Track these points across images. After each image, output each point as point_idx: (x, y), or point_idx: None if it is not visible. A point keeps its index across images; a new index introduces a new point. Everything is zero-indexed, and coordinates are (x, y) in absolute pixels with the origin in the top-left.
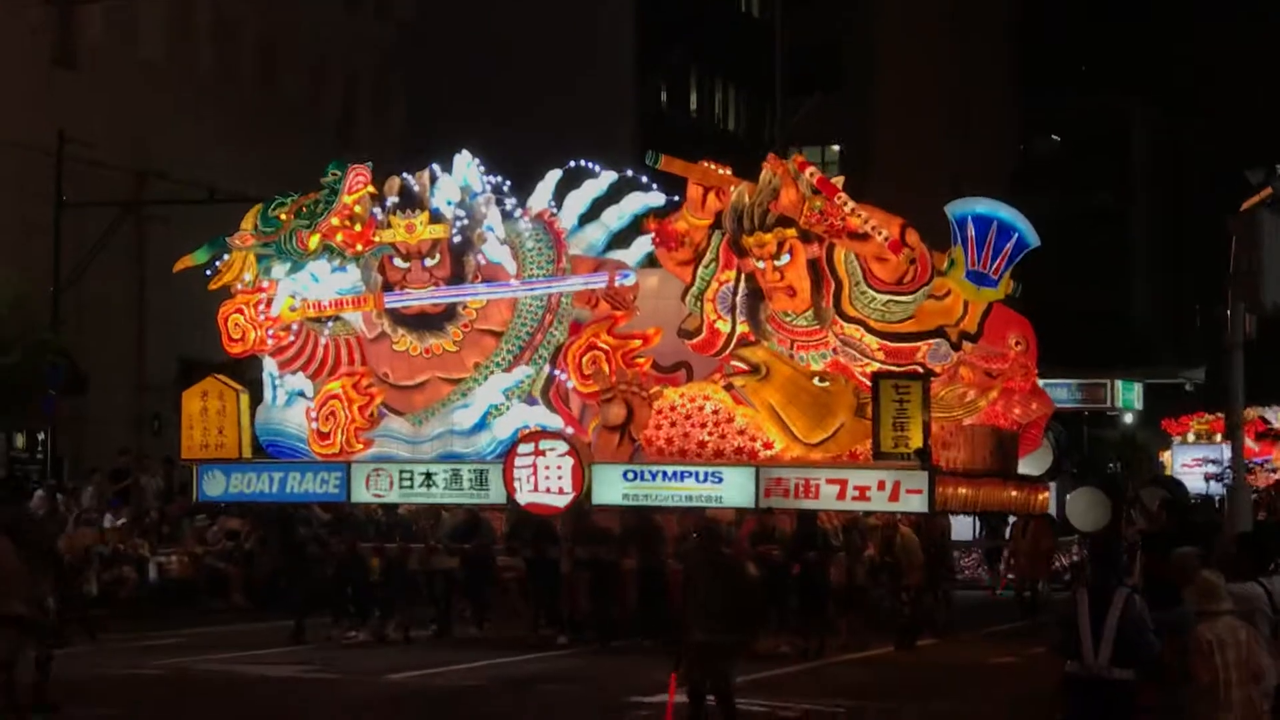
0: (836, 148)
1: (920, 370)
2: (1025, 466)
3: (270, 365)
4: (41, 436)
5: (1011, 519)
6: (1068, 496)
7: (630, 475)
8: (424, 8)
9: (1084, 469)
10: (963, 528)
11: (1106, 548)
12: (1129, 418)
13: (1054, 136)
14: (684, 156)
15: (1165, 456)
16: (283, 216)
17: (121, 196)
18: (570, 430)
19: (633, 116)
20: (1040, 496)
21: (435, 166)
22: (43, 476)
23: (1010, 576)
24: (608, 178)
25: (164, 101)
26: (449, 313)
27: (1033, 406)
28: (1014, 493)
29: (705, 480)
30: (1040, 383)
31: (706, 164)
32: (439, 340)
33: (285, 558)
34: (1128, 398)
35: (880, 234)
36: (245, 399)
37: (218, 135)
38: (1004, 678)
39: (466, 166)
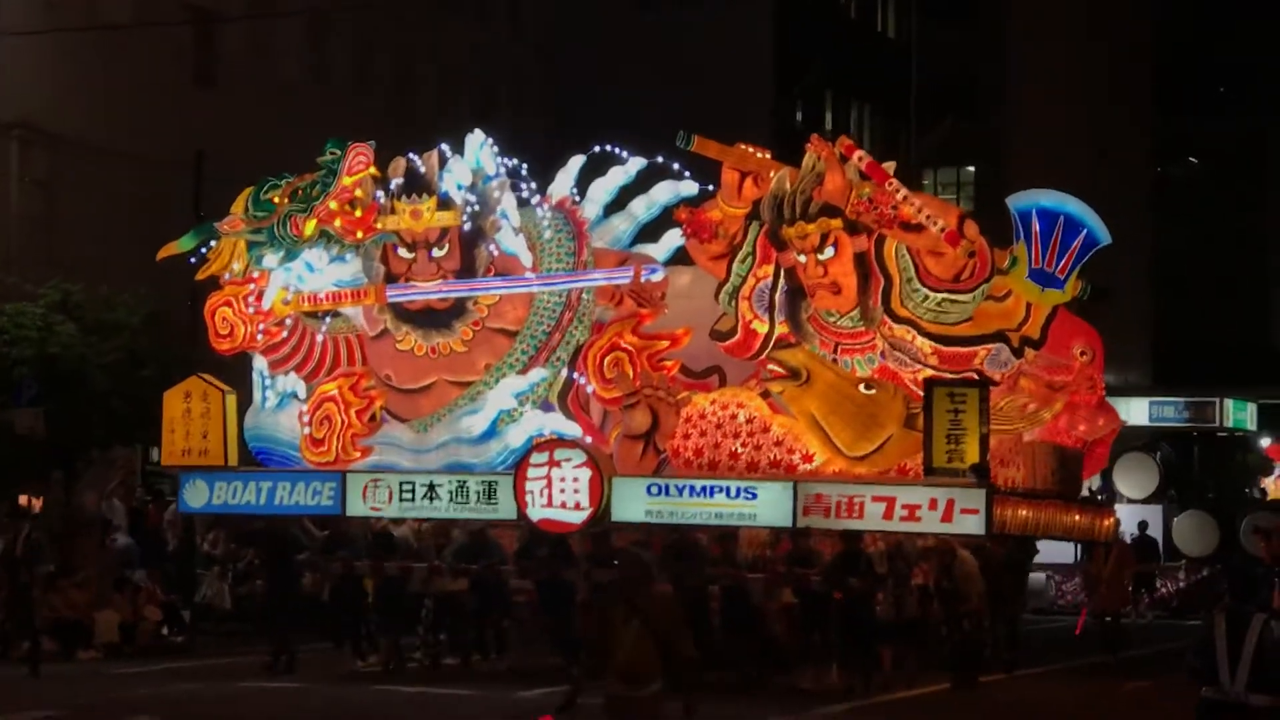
0: (971, 169)
1: (978, 377)
2: (1127, 488)
3: (261, 364)
4: None
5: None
6: (1174, 520)
7: (654, 490)
8: (559, 25)
9: (1186, 492)
10: (1062, 551)
11: (1244, 572)
12: (1264, 441)
13: (1190, 159)
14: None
15: (1268, 483)
16: (276, 199)
17: None
18: (589, 439)
19: (768, 135)
20: (1106, 522)
21: (445, 147)
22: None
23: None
24: (636, 164)
25: (300, 119)
26: (458, 309)
27: (1099, 423)
28: (1078, 517)
29: (737, 496)
30: (1148, 401)
31: (744, 146)
32: (446, 339)
33: (276, 583)
34: (1239, 418)
35: (936, 224)
36: (232, 401)
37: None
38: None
39: (479, 148)
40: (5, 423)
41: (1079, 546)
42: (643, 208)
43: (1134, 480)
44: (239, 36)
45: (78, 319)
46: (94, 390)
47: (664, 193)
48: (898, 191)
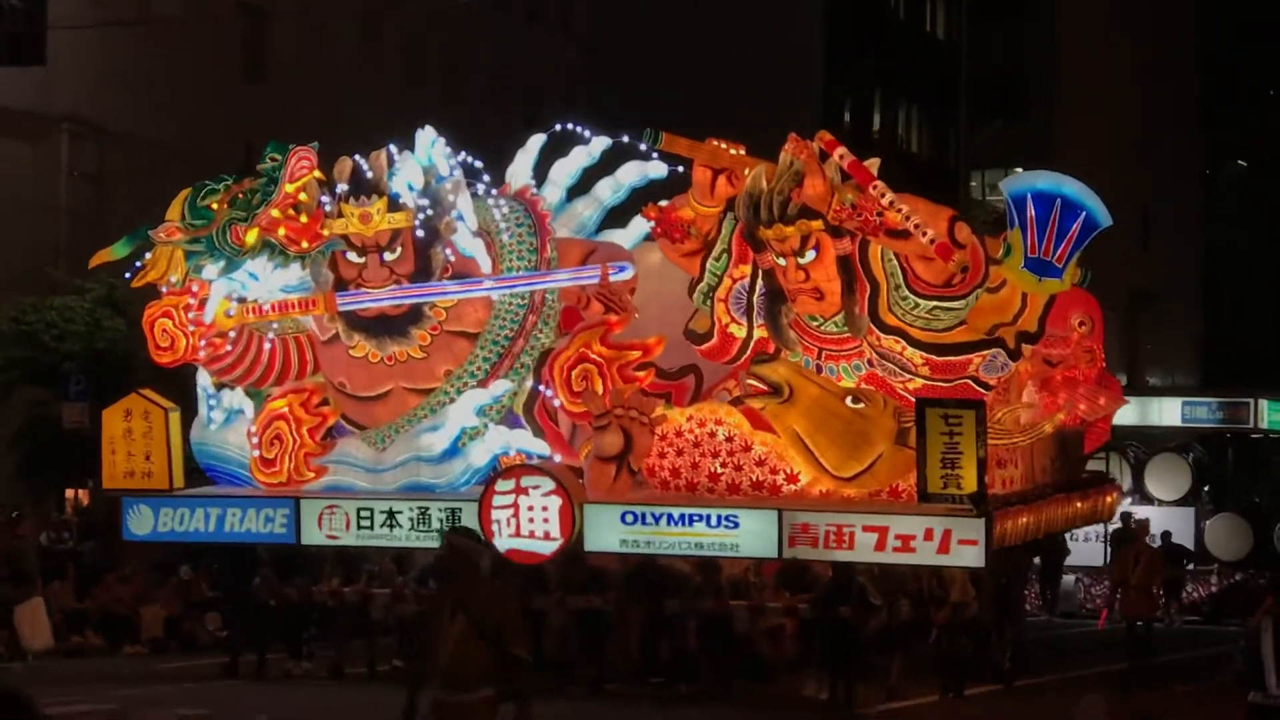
0: (1019, 170)
1: (974, 385)
2: (1159, 490)
3: (204, 379)
4: None
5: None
6: (1206, 524)
7: (630, 518)
8: (606, 24)
9: (1220, 495)
10: (1091, 553)
11: None
12: None
13: (1240, 161)
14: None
15: None
16: (214, 206)
17: None
18: (558, 458)
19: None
20: (1108, 499)
21: (392, 147)
22: None
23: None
24: (600, 144)
25: (350, 115)
26: (414, 314)
27: (1100, 402)
28: (1079, 504)
29: (718, 525)
30: (1181, 401)
31: (716, 142)
32: (403, 346)
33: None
34: (1275, 419)
35: (925, 234)
36: (175, 418)
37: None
38: None
39: (430, 145)
40: (53, 417)
41: (1108, 549)
42: (608, 191)
43: (1166, 482)
44: (289, 31)
45: (125, 314)
46: (140, 384)
47: (631, 174)
48: (883, 196)
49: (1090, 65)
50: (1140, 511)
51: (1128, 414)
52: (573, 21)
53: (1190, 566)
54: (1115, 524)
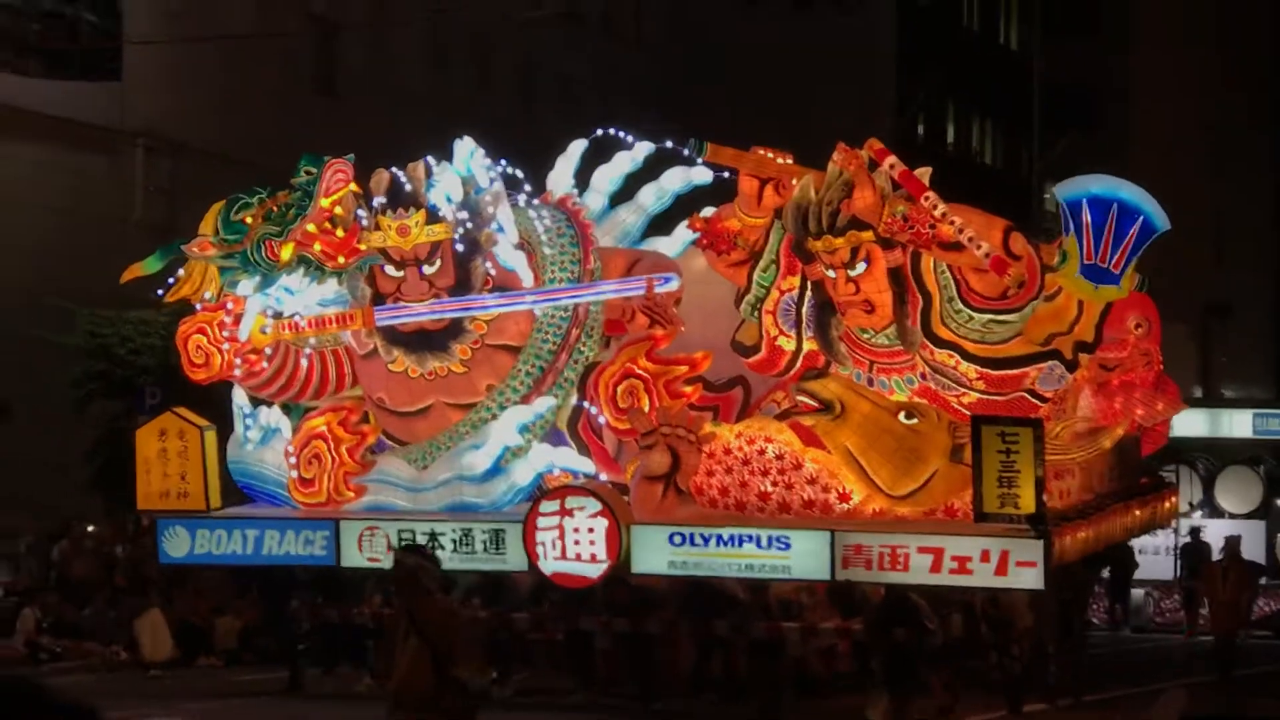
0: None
1: (1031, 399)
2: (1229, 503)
3: (240, 398)
4: None
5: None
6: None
7: (678, 539)
8: (678, 36)
9: None
10: (1161, 567)
11: None
12: None
13: None
14: (943, 194)
15: None
16: (248, 220)
17: None
18: (604, 476)
19: (890, 149)
20: (1167, 505)
21: (430, 158)
22: None
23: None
24: (643, 149)
25: (420, 126)
26: (454, 329)
27: (1158, 407)
28: (1138, 512)
29: (769, 546)
30: (1253, 413)
31: (762, 151)
32: (443, 362)
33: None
34: None
35: (980, 248)
36: (211, 437)
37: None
38: None
39: (469, 156)
40: (128, 431)
41: (1179, 563)
42: (652, 197)
43: (1236, 495)
44: (359, 44)
45: None
46: (212, 399)
47: (675, 180)
48: (935, 207)
49: (1164, 77)
50: (1210, 526)
51: (1198, 426)
52: (645, 33)
53: (1263, 581)
54: (1185, 538)
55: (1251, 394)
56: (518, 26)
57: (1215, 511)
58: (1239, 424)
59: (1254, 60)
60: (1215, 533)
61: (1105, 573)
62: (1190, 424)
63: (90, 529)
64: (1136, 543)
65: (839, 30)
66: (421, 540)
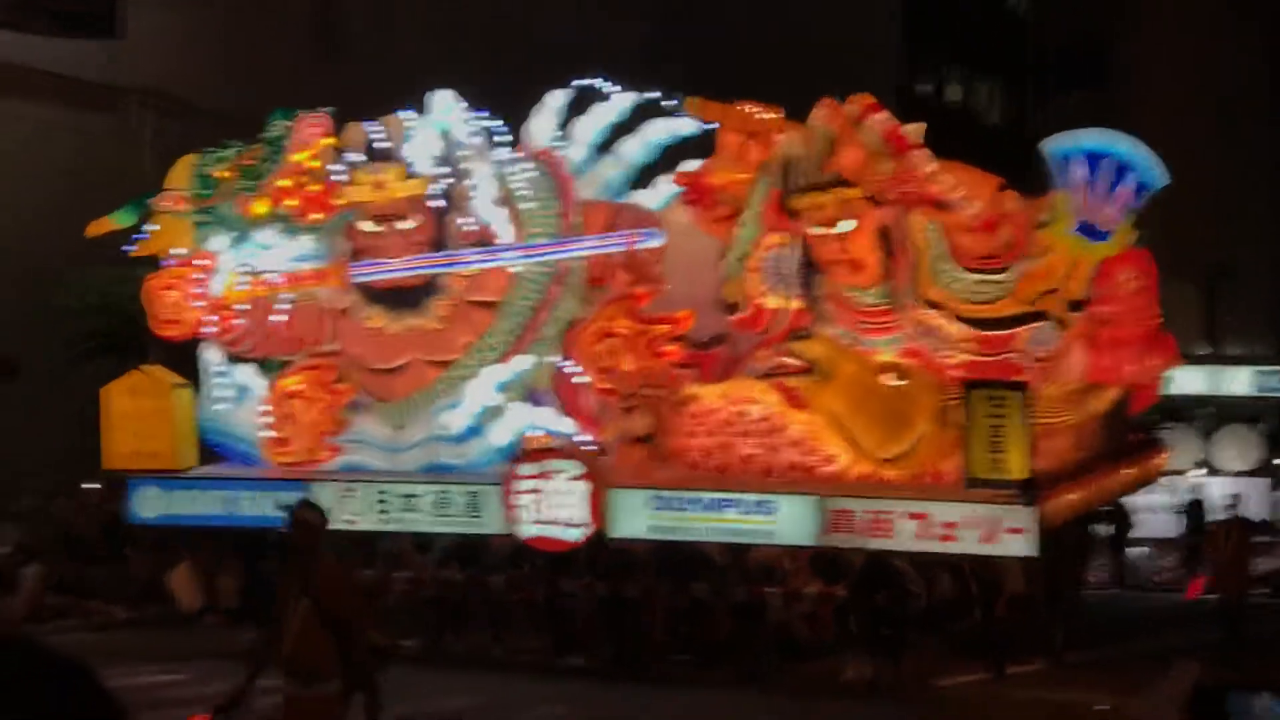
0: None
1: (1021, 360)
2: (1227, 461)
3: (212, 355)
4: None
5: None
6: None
7: (658, 504)
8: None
9: None
10: (1163, 524)
11: None
12: None
13: None
14: (946, 152)
15: None
16: (221, 175)
17: None
18: (584, 438)
19: (895, 109)
20: (1157, 460)
21: (409, 112)
22: None
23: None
24: (624, 100)
25: (430, 81)
26: (432, 285)
27: (1150, 363)
28: (1127, 470)
29: (753, 511)
30: (1252, 370)
31: (745, 106)
32: (421, 320)
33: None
34: None
35: (971, 206)
36: (186, 395)
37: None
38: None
39: (447, 109)
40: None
41: (1182, 519)
42: (635, 149)
43: (1234, 453)
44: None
45: None
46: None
47: (658, 132)
48: (924, 165)
49: (1170, 35)
50: (1210, 484)
51: (1198, 382)
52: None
53: (1266, 539)
54: (1187, 496)
55: (1255, 351)
56: None
57: (1214, 470)
58: (1239, 381)
59: (1266, 19)
60: (1214, 491)
61: (1103, 531)
62: (1191, 381)
63: (90, 487)
64: (1137, 501)
65: None
66: (398, 503)
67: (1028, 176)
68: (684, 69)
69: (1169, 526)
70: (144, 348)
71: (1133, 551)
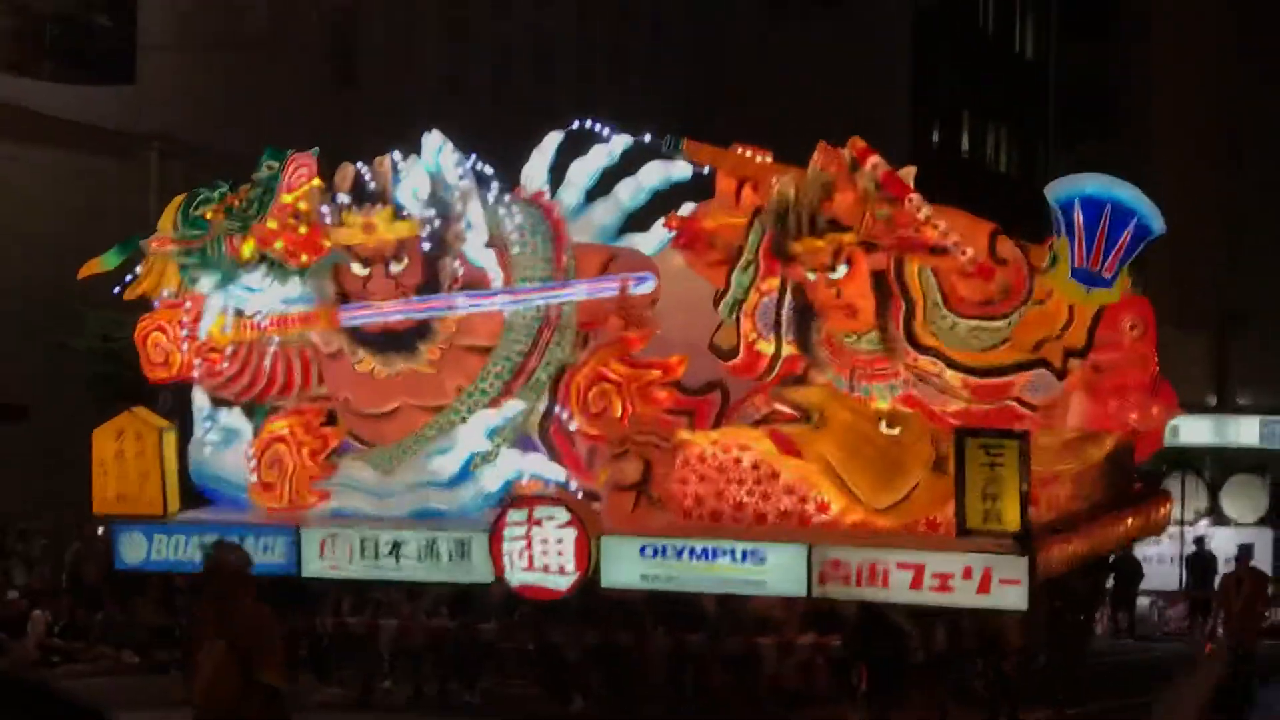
0: None
1: (1019, 407)
2: (1235, 511)
3: (200, 398)
4: None
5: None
6: None
7: (649, 551)
8: (692, 43)
9: None
10: (1166, 577)
11: None
12: None
13: None
14: (956, 201)
15: None
16: (209, 216)
17: None
18: (574, 484)
19: (905, 156)
20: (1160, 512)
21: (397, 154)
22: None
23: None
24: (620, 142)
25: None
26: (422, 329)
27: (1153, 412)
28: (1130, 520)
29: (744, 560)
30: (1260, 420)
31: (741, 150)
32: (410, 363)
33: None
34: None
35: (965, 253)
36: (170, 438)
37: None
38: None
39: (437, 151)
40: None
41: (1184, 570)
42: (629, 194)
43: (1242, 503)
44: (374, 42)
45: None
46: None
47: (653, 176)
48: (919, 210)
49: (1182, 82)
50: (1216, 534)
51: (1205, 432)
52: (660, 38)
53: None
54: (1191, 547)
55: (1265, 401)
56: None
57: (1221, 519)
58: (1247, 431)
59: (1276, 64)
60: (1222, 541)
61: (1110, 583)
62: (1197, 431)
63: (101, 531)
64: (1141, 551)
65: (852, 38)
66: (385, 549)
67: (1039, 226)
68: (693, 121)
69: (1174, 578)
70: (154, 390)
71: (1140, 602)
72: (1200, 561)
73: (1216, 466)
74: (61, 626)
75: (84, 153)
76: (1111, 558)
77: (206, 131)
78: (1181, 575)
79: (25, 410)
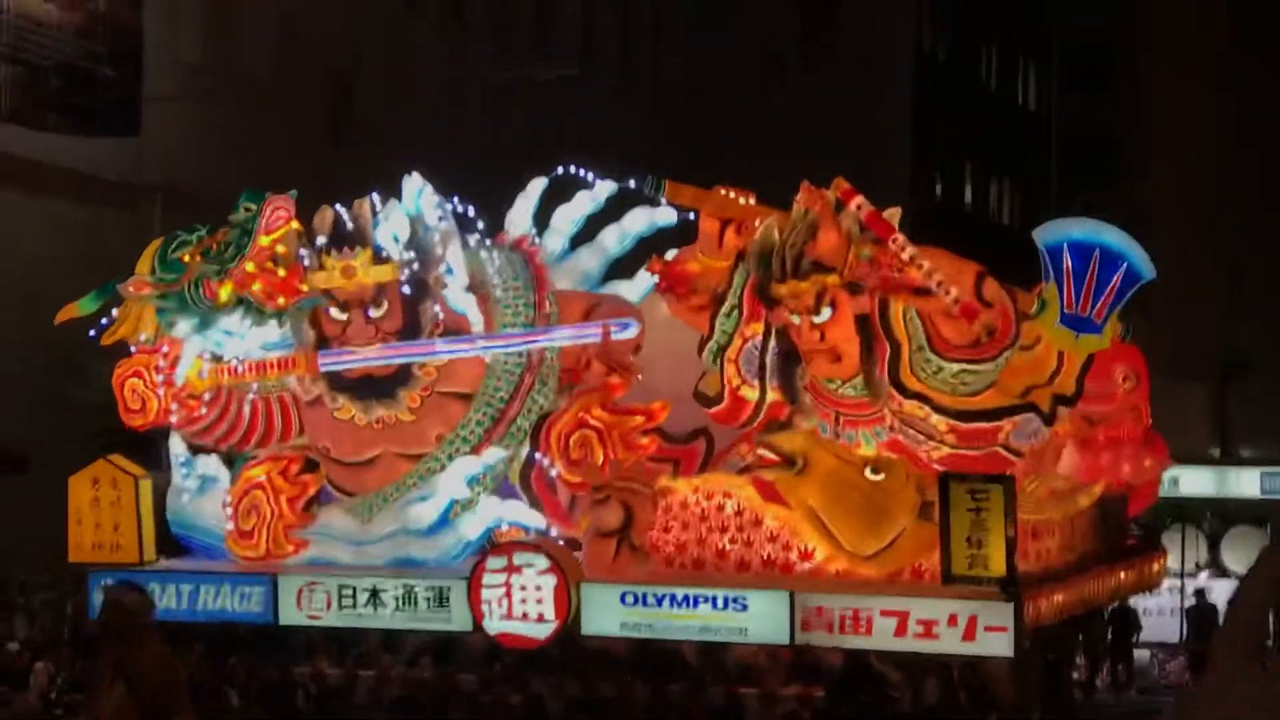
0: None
1: (1005, 453)
2: (1236, 563)
3: (176, 445)
4: None
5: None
6: None
7: (630, 599)
8: (691, 94)
9: None
10: (1166, 629)
11: None
12: None
13: None
14: (959, 253)
15: None
16: (186, 259)
17: None
18: (555, 531)
19: (907, 208)
20: (1155, 567)
21: (376, 196)
22: None
23: None
24: (605, 189)
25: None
26: (402, 375)
27: (1145, 464)
28: (1123, 574)
29: (725, 607)
30: (1260, 472)
31: (724, 191)
32: (391, 410)
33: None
34: None
35: (949, 294)
36: (146, 486)
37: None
38: None
39: (417, 194)
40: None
41: (1184, 623)
42: (614, 240)
43: (1243, 555)
44: (376, 96)
45: None
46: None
47: (638, 222)
48: (903, 250)
49: (1184, 134)
50: (1216, 586)
51: (1205, 484)
52: (659, 88)
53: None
54: (1191, 600)
55: (1267, 453)
56: (528, 78)
57: (1221, 572)
58: (1247, 483)
59: (1273, 112)
60: (1222, 593)
61: (1108, 635)
62: (1197, 483)
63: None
64: (1141, 603)
65: (854, 89)
66: (363, 598)
67: (1039, 277)
68: (690, 171)
69: (1174, 630)
70: (151, 440)
71: (1139, 655)
72: (1200, 614)
73: (1217, 518)
74: (64, 679)
75: (87, 203)
76: (1107, 612)
77: (210, 183)
78: (1182, 627)
79: (25, 460)
